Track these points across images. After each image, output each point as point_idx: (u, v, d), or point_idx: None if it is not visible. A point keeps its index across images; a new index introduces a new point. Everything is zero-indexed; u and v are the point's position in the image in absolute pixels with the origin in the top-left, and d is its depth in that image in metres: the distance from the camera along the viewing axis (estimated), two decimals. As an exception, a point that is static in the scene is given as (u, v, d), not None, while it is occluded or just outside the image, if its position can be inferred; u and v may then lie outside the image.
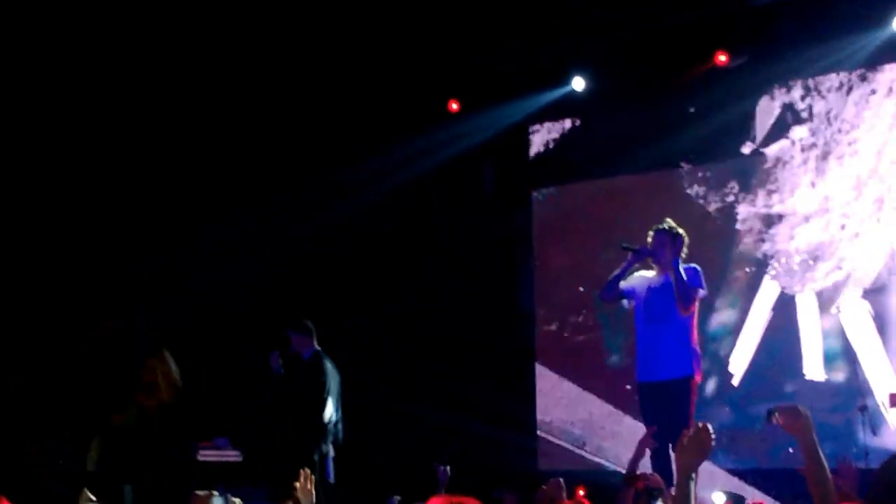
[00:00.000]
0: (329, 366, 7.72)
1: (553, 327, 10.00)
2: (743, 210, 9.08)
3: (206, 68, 9.31)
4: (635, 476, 5.01)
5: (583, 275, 9.72)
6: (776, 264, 8.84)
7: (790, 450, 7.69)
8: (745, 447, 8.61)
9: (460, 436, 9.36)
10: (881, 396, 8.00)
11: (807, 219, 8.76)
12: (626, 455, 8.45)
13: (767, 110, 8.93)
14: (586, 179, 10.01)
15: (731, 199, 9.15)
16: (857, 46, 8.37)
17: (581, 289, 9.78)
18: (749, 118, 8.96)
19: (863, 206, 8.50)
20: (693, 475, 2.90)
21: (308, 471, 3.96)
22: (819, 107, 8.74)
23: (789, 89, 8.85)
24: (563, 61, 9.56)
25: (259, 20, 9.04)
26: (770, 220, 8.93)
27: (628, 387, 8.90)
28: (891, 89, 8.47)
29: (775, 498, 7.76)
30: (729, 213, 9.12)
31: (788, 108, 8.87)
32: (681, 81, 9.05)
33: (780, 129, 8.92)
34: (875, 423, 7.42)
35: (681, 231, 6.61)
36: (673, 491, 4.01)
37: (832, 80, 8.66)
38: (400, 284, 10.24)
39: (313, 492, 3.88)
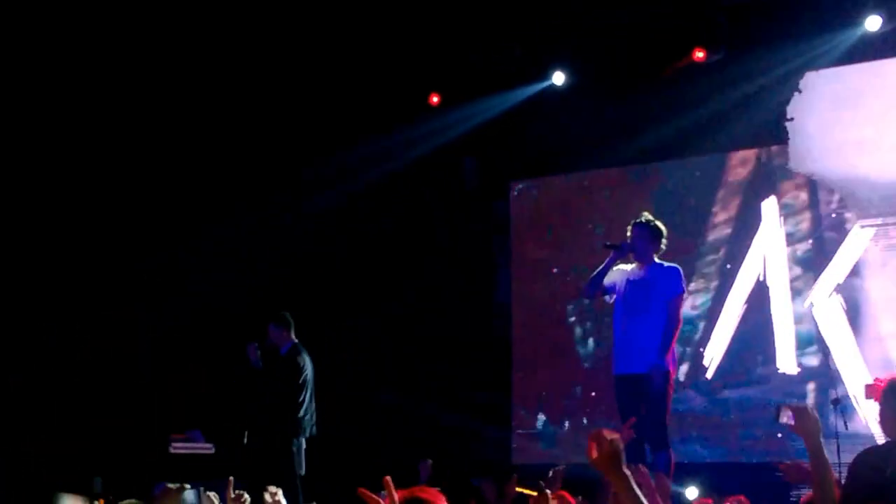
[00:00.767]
0: (306, 359, 7.73)
1: (529, 320, 10.03)
2: (719, 203, 9.15)
3: (203, 68, 9.31)
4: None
5: (560, 268, 9.77)
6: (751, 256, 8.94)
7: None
8: (717, 434, 8.72)
9: (435, 428, 9.38)
10: (853, 389, 8.09)
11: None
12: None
13: (743, 106, 8.99)
14: (565, 173, 10.06)
15: (708, 193, 9.22)
16: (832, 45, 8.45)
17: (558, 282, 9.82)
18: (725, 114, 9.01)
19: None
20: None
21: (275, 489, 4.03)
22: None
23: (765, 86, 8.91)
24: (543, 56, 9.60)
25: (244, 19, 9.04)
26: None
27: (604, 379, 8.96)
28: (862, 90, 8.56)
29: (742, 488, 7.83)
30: (705, 206, 9.19)
31: (764, 104, 8.94)
32: (659, 77, 9.11)
33: (755, 125, 8.99)
34: (847, 415, 7.50)
35: (659, 224, 6.69)
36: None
37: (807, 77, 8.75)
38: (378, 279, 10.25)
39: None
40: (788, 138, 8.82)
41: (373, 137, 9.79)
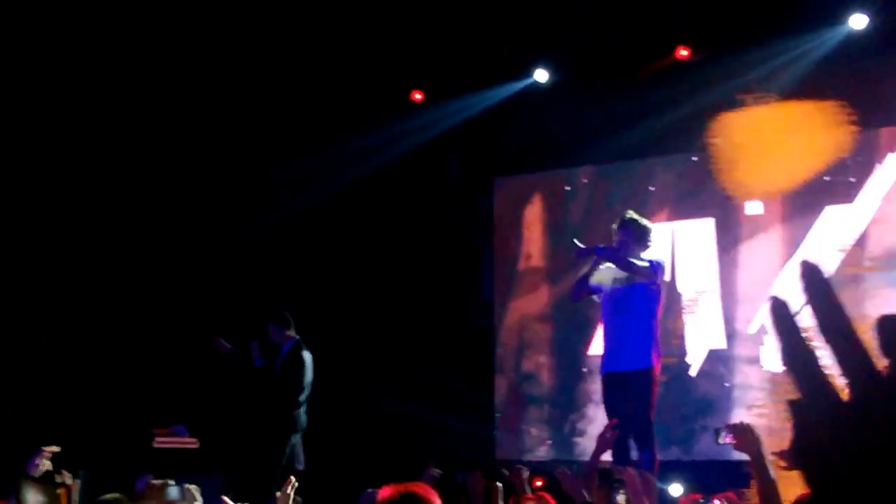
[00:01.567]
0: (307, 357, 7.73)
1: (512, 316, 10.04)
2: (701, 202, 9.21)
3: (182, 67, 9.25)
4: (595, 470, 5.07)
5: (544, 264, 9.79)
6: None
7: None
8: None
9: (417, 423, 9.38)
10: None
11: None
12: (586, 444, 8.56)
13: (725, 105, 9.04)
14: (548, 170, 10.08)
15: (689, 190, 9.27)
16: (816, 43, 8.50)
17: (542, 278, 9.84)
18: (708, 113, 9.05)
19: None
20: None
21: (293, 479, 4.05)
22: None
23: (748, 84, 8.95)
24: (526, 53, 9.60)
25: (227, 17, 8.99)
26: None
27: (587, 373, 9.00)
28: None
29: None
30: (685, 204, 9.24)
31: (746, 103, 8.98)
32: (643, 75, 9.14)
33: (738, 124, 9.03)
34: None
35: (645, 222, 6.69)
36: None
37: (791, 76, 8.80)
38: (360, 276, 10.23)
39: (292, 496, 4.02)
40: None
41: (355, 135, 9.76)
